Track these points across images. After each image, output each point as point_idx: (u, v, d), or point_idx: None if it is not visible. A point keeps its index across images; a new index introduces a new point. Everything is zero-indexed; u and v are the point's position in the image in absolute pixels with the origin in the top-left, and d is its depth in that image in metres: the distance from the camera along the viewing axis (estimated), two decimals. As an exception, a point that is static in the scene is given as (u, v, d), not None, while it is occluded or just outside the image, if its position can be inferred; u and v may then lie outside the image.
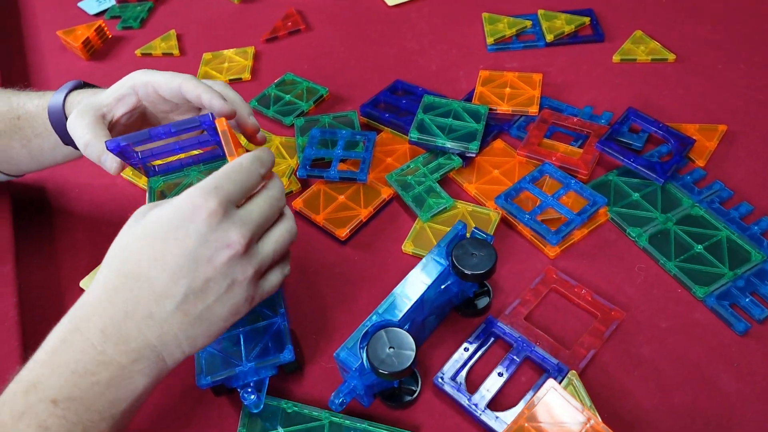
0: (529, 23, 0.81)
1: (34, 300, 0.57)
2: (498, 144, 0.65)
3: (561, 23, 0.79)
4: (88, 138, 0.45)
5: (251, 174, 0.39)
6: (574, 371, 0.45)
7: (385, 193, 0.61)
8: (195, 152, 0.48)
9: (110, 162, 0.44)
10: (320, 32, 0.88)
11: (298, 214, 0.61)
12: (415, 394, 0.46)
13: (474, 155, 0.62)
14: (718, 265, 0.51)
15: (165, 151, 0.45)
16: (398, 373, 0.40)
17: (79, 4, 1.03)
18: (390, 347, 0.41)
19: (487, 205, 0.59)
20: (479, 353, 0.48)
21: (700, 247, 0.53)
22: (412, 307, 0.44)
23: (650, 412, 0.44)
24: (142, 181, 0.67)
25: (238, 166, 0.39)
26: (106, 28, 0.93)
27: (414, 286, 0.45)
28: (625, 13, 0.82)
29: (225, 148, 0.41)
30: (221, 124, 0.41)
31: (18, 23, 0.98)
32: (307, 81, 0.77)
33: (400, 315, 0.43)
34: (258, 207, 0.39)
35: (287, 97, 0.75)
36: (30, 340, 0.52)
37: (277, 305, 0.49)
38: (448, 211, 0.59)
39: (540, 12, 0.82)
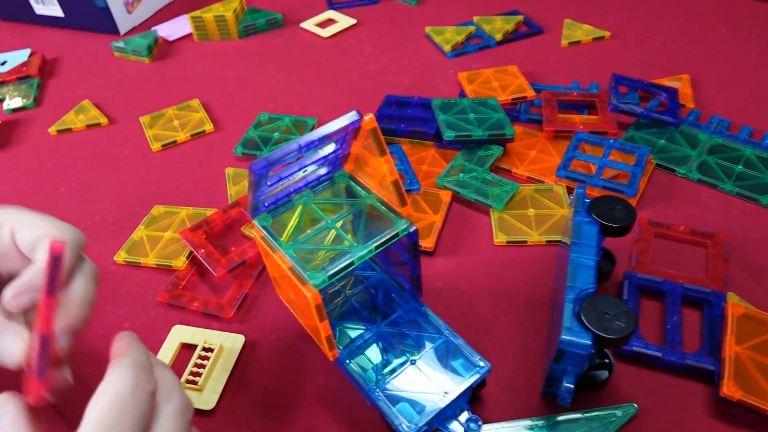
0: (473, 29, 0.85)
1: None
2: (516, 130, 0.66)
3: (501, 24, 0.85)
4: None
5: (140, 404, 0.26)
6: (731, 293, 0.46)
7: (445, 196, 0.58)
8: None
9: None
10: (266, 72, 0.83)
11: (366, 240, 0.55)
12: (612, 367, 0.43)
13: (512, 139, 0.62)
14: (761, 177, 0.58)
15: (289, 174, 0.37)
16: (630, 334, 0.37)
17: (-66, 97, 0.83)
18: (605, 314, 0.38)
19: (545, 182, 0.59)
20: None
21: (739, 167, 0.59)
22: (595, 271, 0.41)
23: (800, 309, 0.47)
24: (150, 261, 0.54)
25: (117, 401, 0.26)
26: (-7, 114, 0.76)
27: (583, 251, 0.42)
28: (545, 8, 0.91)
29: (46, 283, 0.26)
30: (371, 123, 0.35)
31: None
32: (288, 116, 0.71)
33: (592, 282, 0.40)
34: None
35: (276, 135, 0.68)
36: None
37: (433, 324, 0.43)
38: (515, 195, 0.58)
39: (475, 18, 0.87)
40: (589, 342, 0.37)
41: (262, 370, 0.46)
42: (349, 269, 0.36)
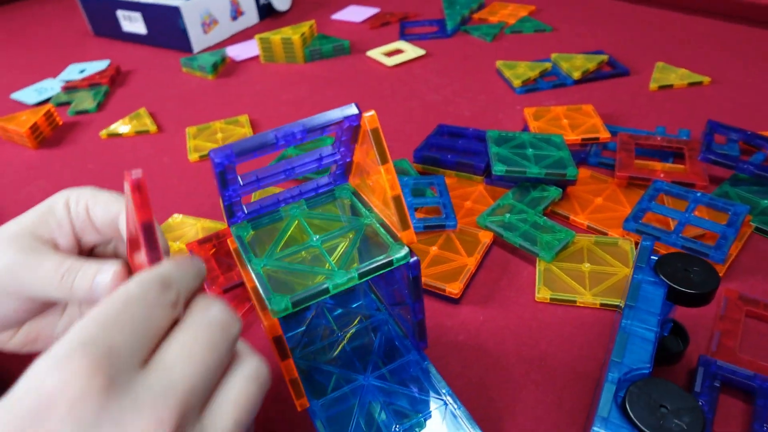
0: (549, 65, 0.78)
1: None
2: (583, 173, 0.57)
3: (581, 62, 0.77)
4: (64, 265, 0.28)
5: (149, 306, 0.22)
6: None
7: (485, 237, 0.50)
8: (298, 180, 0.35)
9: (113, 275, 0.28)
10: (324, 95, 0.79)
11: (384, 277, 0.47)
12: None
13: (573, 181, 0.53)
14: None
15: (272, 174, 0.31)
16: (695, 442, 0.27)
17: (13, 96, 0.87)
18: (660, 406, 0.28)
19: (609, 234, 0.50)
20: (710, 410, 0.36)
21: None
22: (653, 348, 0.31)
23: None
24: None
25: (123, 296, 0.22)
26: (56, 113, 0.77)
27: (640, 318, 0.33)
28: (636, 50, 0.82)
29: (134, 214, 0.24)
30: (373, 121, 0.29)
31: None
32: (329, 137, 0.66)
33: (648, 361, 0.30)
34: (182, 356, 0.22)
35: (314, 155, 0.63)
36: None
37: (434, 385, 0.34)
38: (569, 246, 0.48)
39: (553, 55, 0.80)
40: (632, 442, 0.27)
41: (232, 411, 0.38)
42: (322, 298, 0.28)
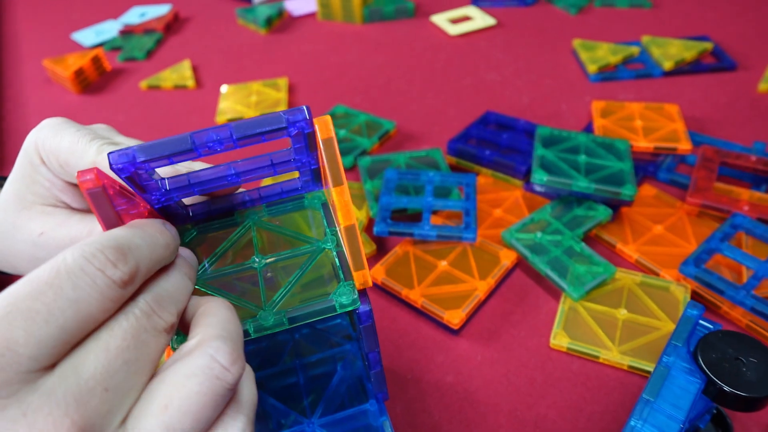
0: (636, 50, 0.66)
1: None
2: (647, 191, 0.47)
3: (677, 50, 0.64)
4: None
5: (86, 285, 0.16)
6: None
7: (506, 258, 0.42)
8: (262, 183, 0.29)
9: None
10: (373, 61, 0.72)
11: (380, 289, 0.42)
12: None
13: (630, 202, 0.44)
14: None
15: (209, 180, 0.26)
16: None
17: (73, 35, 0.87)
18: None
19: (660, 275, 0.40)
20: None
21: None
22: (665, 465, 0.24)
23: None
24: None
25: (51, 270, 0.16)
26: (103, 58, 0.76)
27: (657, 423, 0.25)
28: (748, 39, 0.67)
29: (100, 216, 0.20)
30: (325, 130, 0.23)
31: (-5, 50, 0.81)
32: (365, 114, 0.60)
33: (653, 484, 0.23)
34: (96, 350, 0.17)
35: (342, 132, 0.57)
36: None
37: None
38: (607, 283, 0.40)
39: (645, 38, 0.68)
40: None
41: None
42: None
